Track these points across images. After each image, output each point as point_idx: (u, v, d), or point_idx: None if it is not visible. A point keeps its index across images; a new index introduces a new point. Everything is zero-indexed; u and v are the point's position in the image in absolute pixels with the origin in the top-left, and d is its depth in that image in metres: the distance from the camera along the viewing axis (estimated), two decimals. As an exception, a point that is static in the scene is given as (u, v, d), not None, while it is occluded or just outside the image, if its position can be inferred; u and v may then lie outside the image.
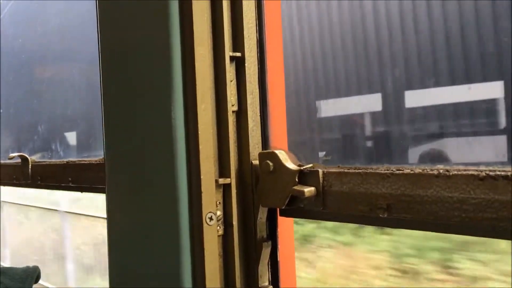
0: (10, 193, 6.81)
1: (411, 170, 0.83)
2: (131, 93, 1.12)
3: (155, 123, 1.05)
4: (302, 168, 0.97)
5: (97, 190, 1.57)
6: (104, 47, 1.19)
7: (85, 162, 1.63)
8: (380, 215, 0.86)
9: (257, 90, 1.08)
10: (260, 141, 1.08)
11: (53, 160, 1.90)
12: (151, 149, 1.07)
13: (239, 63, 1.07)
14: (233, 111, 1.06)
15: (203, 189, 0.99)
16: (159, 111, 1.04)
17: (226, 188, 1.04)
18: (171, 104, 1.00)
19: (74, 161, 1.70)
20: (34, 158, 1.98)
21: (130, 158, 1.14)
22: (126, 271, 1.15)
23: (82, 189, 1.68)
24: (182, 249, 0.98)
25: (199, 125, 0.99)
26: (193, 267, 0.99)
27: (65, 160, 1.76)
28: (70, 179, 1.70)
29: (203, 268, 0.97)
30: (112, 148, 1.20)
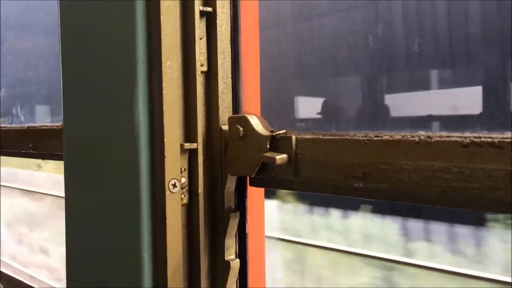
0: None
1: (390, 137, 0.77)
2: (90, 49, 1.02)
3: (116, 80, 0.96)
4: (274, 133, 0.90)
5: (58, 157, 1.47)
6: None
7: (46, 127, 1.53)
8: (356, 185, 0.80)
9: (229, 50, 1.00)
10: (231, 105, 1.00)
11: (13, 126, 1.78)
12: (111, 111, 0.98)
13: (210, 19, 0.98)
14: (202, 71, 0.98)
15: (166, 153, 0.91)
16: (120, 68, 0.95)
17: (192, 153, 0.96)
18: (133, 60, 0.91)
19: (35, 127, 1.60)
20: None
21: (89, 122, 1.05)
22: (83, 240, 1.07)
23: (43, 156, 1.58)
24: (141, 217, 0.91)
25: (163, 84, 0.91)
26: (154, 237, 0.91)
27: (26, 125, 1.65)
28: (30, 145, 1.59)
29: (164, 238, 0.90)
30: (70, 111, 1.11)
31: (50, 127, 1.52)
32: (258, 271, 1.05)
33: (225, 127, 0.96)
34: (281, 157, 0.87)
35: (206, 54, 0.98)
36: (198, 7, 0.95)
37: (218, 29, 0.98)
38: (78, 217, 1.08)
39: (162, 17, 0.90)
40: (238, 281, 1.00)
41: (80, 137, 1.08)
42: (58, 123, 1.51)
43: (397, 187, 0.75)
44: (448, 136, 0.71)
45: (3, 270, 2.47)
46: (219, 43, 0.98)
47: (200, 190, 0.96)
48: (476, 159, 0.67)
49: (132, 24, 0.92)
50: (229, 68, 1.00)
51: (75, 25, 1.06)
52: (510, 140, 0.64)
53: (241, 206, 1.01)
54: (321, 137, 0.85)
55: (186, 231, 0.96)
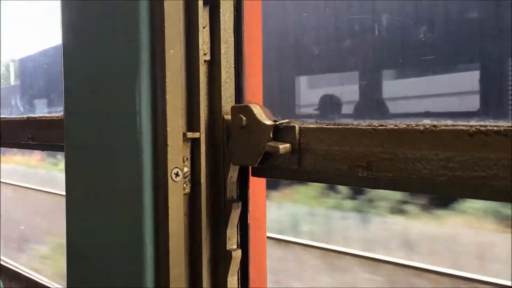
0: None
1: (394, 126, 0.77)
2: (92, 37, 1.01)
3: (118, 69, 0.95)
4: (277, 123, 0.89)
5: (58, 148, 1.47)
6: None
7: (47, 118, 1.52)
8: (359, 174, 0.80)
9: (232, 39, 1.00)
10: (234, 94, 0.99)
11: (12, 116, 1.77)
12: (113, 100, 0.97)
13: (213, 8, 0.97)
14: (205, 60, 0.97)
15: (169, 142, 0.90)
16: (122, 56, 0.94)
17: (194, 143, 0.96)
18: (136, 49, 0.91)
19: (35, 117, 1.59)
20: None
21: (90, 112, 1.04)
22: (84, 231, 1.06)
23: (42, 147, 1.57)
24: (144, 206, 0.91)
25: (166, 73, 0.90)
26: (156, 226, 0.91)
27: (25, 116, 1.64)
28: (29, 136, 1.58)
29: (166, 227, 0.90)
30: (72, 101, 1.10)
31: (50, 118, 1.51)
32: (260, 261, 1.05)
33: (228, 117, 0.96)
34: (284, 146, 0.87)
35: (209, 43, 0.97)
36: (201, -5, 0.94)
37: (222, 18, 0.97)
38: (79, 207, 1.08)
39: (165, 5, 0.89)
40: (239, 271, 1.00)
41: (81, 127, 1.07)
42: (58, 114, 1.51)
43: (401, 176, 0.75)
44: (453, 125, 0.71)
45: (2, 263, 2.47)
46: (222, 32, 0.97)
47: (203, 179, 0.95)
48: (481, 148, 0.67)
49: (135, 12, 0.91)
50: (232, 57, 1.00)
51: (77, 12, 1.05)
52: (516, 128, 0.64)
53: (243, 196, 1.00)
54: (324, 126, 0.85)
55: (188, 221, 0.96)
